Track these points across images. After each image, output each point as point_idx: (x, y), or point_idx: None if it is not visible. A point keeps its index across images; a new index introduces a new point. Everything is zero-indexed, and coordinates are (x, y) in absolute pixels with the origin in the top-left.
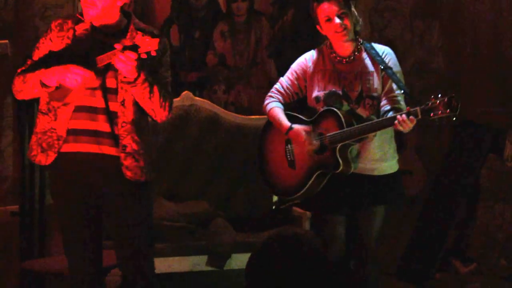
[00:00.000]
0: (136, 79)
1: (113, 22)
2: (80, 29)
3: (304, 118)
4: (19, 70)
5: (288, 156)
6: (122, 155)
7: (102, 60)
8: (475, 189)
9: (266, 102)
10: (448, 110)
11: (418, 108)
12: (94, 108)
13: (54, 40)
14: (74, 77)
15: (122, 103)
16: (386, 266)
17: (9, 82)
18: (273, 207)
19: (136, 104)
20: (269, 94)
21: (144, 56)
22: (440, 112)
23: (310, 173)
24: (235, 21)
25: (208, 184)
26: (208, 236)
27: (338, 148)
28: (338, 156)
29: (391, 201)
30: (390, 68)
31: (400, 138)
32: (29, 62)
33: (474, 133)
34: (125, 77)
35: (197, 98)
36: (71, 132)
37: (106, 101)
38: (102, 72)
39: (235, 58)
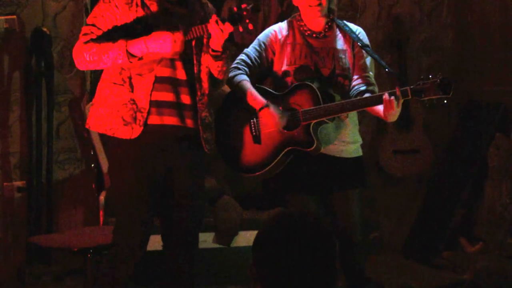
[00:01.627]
0: (222, 53)
1: None
2: None
3: (273, 91)
4: (84, 39)
5: (253, 131)
6: (201, 128)
7: (192, 32)
8: (483, 168)
9: (233, 73)
10: (440, 92)
11: (408, 88)
12: (176, 80)
13: (120, 6)
14: (169, 44)
15: (198, 75)
16: (392, 244)
17: (18, 56)
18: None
19: (210, 75)
20: (235, 65)
21: (241, 29)
22: (432, 93)
23: (278, 149)
24: None
25: (215, 160)
26: (215, 213)
27: (312, 125)
28: (312, 133)
29: (359, 185)
30: (368, 46)
31: (407, 116)
32: (93, 29)
33: (481, 112)
34: (213, 50)
35: None
36: (153, 104)
37: (189, 73)
38: (188, 38)
39: (243, 35)
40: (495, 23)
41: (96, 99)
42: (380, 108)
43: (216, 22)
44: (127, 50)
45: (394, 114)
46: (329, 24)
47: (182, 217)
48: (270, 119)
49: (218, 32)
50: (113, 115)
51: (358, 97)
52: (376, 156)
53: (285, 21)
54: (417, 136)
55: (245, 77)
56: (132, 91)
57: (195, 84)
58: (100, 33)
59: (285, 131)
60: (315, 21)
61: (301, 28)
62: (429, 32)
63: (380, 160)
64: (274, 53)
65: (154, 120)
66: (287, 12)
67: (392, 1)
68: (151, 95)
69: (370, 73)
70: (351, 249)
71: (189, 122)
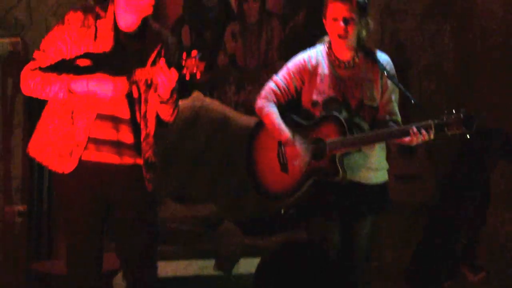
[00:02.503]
0: (169, 99)
1: (139, 22)
2: (103, 27)
3: (301, 121)
4: (32, 65)
5: (281, 159)
6: (144, 168)
7: (141, 73)
8: (485, 195)
9: (261, 104)
10: (463, 128)
11: (432, 123)
12: (118, 118)
13: (73, 36)
14: (111, 89)
15: (145, 115)
16: (393, 272)
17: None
18: (282, 211)
19: (157, 116)
20: (264, 94)
21: (187, 77)
22: (455, 128)
23: (304, 178)
24: (246, 22)
25: (216, 186)
26: (215, 239)
27: (338, 155)
28: (338, 164)
29: (383, 210)
30: (395, 76)
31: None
32: (42, 56)
33: (484, 137)
34: (159, 95)
35: (207, 98)
36: (92, 140)
37: (133, 112)
38: (132, 82)
39: (246, 58)
40: (497, 48)
41: (39, 125)
42: (405, 138)
43: (163, 68)
44: (68, 86)
45: (417, 143)
46: (358, 53)
47: (130, 246)
48: (295, 151)
49: (164, 79)
50: (50, 146)
51: (384, 129)
52: None
53: (315, 49)
54: (420, 162)
55: (272, 107)
56: (73, 124)
57: (140, 124)
58: (48, 61)
59: (312, 161)
60: (343, 50)
61: (330, 58)
62: (431, 57)
63: None
64: (303, 82)
65: (90, 156)
66: (290, 36)
67: (394, 26)
68: (90, 131)
69: (395, 104)
70: (354, 275)
71: (128, 160)
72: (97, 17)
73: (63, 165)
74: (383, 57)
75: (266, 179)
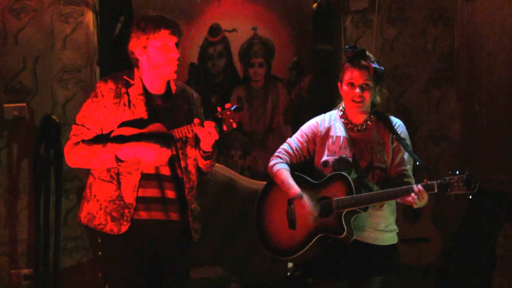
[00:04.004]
0: (213, 152)
1: (165, 84)
2: (134, 93)
3: (311, 180)
4: (75, 140)
5: (290, 216)
6: (191, 219)
7: (179, 132)
8: (491, 258)
9: (273, 162)
10: (465, 188)
11: (435, 182)
12: (161, 176)
13: (109, 106)
14: (156, 156)
15: (186, 169)
16: None
17: (27, 144)
18: (288, 274)
19: (197, 167)
20: (277, 154)
21: (225, 128)
22: (457, 189)
23: (311, 235)
24: (252, 86)
25: (222, 249)
26: None
27: (344, 213)
28: (343, 222)
29: (391, 272)
30: (404, 140)
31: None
32: (83, 130)
33: (490, 201)
34: (204, 152)
35: None
36: (140, 200)
37: (174, 169)
38: (173, 144)
39: (251, 123)
40: (503, 113)
41: (86, 194)
42: (408, 197)
43: (200, 124)
44: (115, 156)
45: (421, 204)
46: (371, 117)
47: None
48: (303, 209)
49: (205, 134)
50: (101, 211)
51: (389, 188)
52: None
53: (329, 112)
54: (426, 225)
55: (284, 165)
56: (120, 188)
57: (182, 178)
58: (89, 133)
59: (319, 218)
60: (356, 115)
61: (343, 121)
62: (437, 122)
63: None
64: (315, 144)
65: (140, 215)
66: (295, 100)
67: (400, 91)
68: (137, 191)
69: (408, 166)
70: None
71: (173, 216)
72: (127, 85)
73: (118, 227)
74: (395, 121)
75: (274, 236)
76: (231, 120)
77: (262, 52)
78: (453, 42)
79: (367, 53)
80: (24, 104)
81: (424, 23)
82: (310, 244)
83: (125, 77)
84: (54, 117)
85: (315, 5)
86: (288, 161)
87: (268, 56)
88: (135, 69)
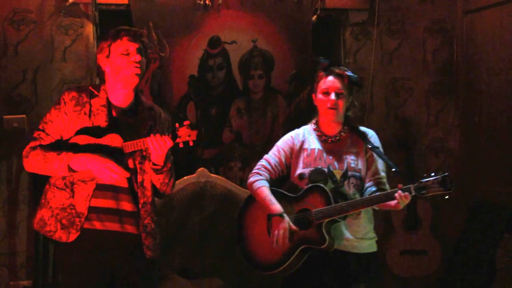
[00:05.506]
0: (163, 167)
1: (131, 99)
2: (97, 104)
3: (288, 194)
4: (33, 144)
5: (270, 232)
6: (143, 235)
7: (130, 146)
8: (491, 270)
9: (253, 179)
10: (441, 189)
11: (411, 186)
12: (117, 188)
13: (69, 114)
14: (108, 172)
15: (142, 184)
16: None
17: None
18: None
19: (152, 184)
20: (256, 170)
21: (181, 145)
22: (434, 190)
23: (293, 248)
24: (252, 98)
25: (222, 260)
26: None
27: (324, 224)
28: (324, 232)
29: (371, 280)
30: (378, 148)
31: (415, 217)
32: (42, 135)
33: (489, 213)
34: (154, 164)
35: (213, 175)
36: (93, 210)
37: (131, 182)
38: (127, 154)
39: (251, 135)
40: (502, 125)
41: (41, 200)
42: (388, 203)
43: (155, 136)
44: (68, 165)
45: (399, 207)
46: (344, 128)
47: None
48: (281, 227)
49: (156, 146)
50: (54, 218)
51: (368, 196)
52: (383, 256)
53: (302, 127)
54: (425, 237)
55: (264, 182)
56: (73, 197)
57: (138, 192)
58: (48, 138)
59: (299, 230)
60: (330, 125)
61: (317, 133)
62: (437, 133)
63: (387, 260)
64: (291, 157)
65: (91, 225)
66: (295, 113)
67: (399, 103)
68: (90, 201)
69: (382, 173)
70: None
71: (129, 228)
72: (91, 95)
73: (66, 235)
74: (368, 131)
75: (257, 251)
76: (188, 137)
77: (262, 64)
78: (452, 54)
79: (342, 64)
80: (24, 116)
81: (424, 35)
82: (293, 257)
83: (90, 87)
84: None
85: (314, 17)
86: (268, 178)
87: (267, 68)
88: (102, 82)
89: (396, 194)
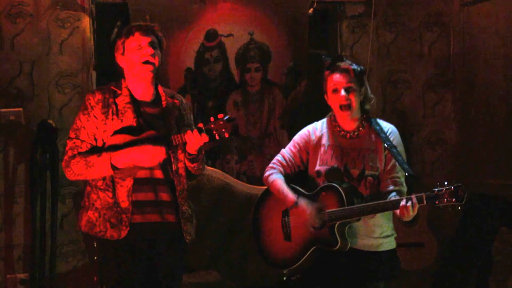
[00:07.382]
0: (198, 155)
1: (152, 91)
2: (122, 102)
3: (304, 191)
4: (70, 153)
5: (285, 228)
6: (182, 221)
7: (175, 140)
8: (487, 262)
9: (268, 173)
10: (454, 199)
11: (423, 195)
12: (154, 180)
13: (99, 116)
14: (147, 155)
15: (177, 172)
16: None
17: (23, 149)
18: (284, 278)
19: (186, 171)
20: (271, 165)
21: (217, 138)
22: (445, 200)
23: (306, 247)
24: (248, 91)
25: (219, 253)
26: None
27: (336, 225)
28: (337, 234)
29: (390, 278)
30: (395, 147)
31: None
32: (77, 143)
33: (485, 206)
34: (189, 154)
35: (209, 167)
36: (135, 204)
37: (167, 172)
38: (170, 148)
39: (248, 128)
40: (498, 118)
41: (84, 203)
42: (397, 210)
43: (193, 132)
44: (111, 164)
45: (410, 217)
46: (363, 123)
47: None
48: (303, 214)
49: (194, 141)
50: (101, 218)
51: (380, 201)
52: None
53: (321, 121)
54: (422, 230)
55: (278, 176)
56: (115, 195)
57: (173, 181)
58: (84, 145)
59: (313, 230)
60: (347, 121)
61: (335, 129)
62: (433, 126)
63: None
64: (308, 153)
65: (136, 219)
66: (291, 105)
67: (396, 96)
68: (131, 196)
69: (400, 173)
70: None
71: (169, 217)
72: (115, 95)
73: (118, 232)
74: (387, 127)
75: (271, 248)
76: (223, 130)
77: (259, 57)
78: (449, 47)
79: (344, 57)
80: (21, 109)
81: (420, 28)
82: (305, 256)
83: (112, 87)
84: (50, 121)
85: (311, 10)
86: (283, 172)
87: (264, 61)
88: (122, 79)
89: (401, 203)
